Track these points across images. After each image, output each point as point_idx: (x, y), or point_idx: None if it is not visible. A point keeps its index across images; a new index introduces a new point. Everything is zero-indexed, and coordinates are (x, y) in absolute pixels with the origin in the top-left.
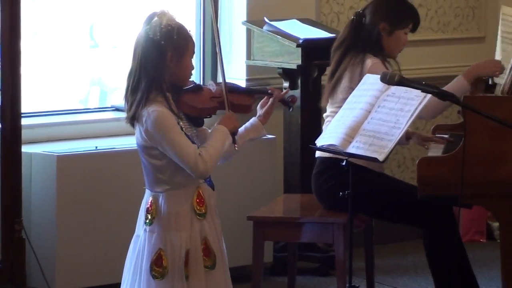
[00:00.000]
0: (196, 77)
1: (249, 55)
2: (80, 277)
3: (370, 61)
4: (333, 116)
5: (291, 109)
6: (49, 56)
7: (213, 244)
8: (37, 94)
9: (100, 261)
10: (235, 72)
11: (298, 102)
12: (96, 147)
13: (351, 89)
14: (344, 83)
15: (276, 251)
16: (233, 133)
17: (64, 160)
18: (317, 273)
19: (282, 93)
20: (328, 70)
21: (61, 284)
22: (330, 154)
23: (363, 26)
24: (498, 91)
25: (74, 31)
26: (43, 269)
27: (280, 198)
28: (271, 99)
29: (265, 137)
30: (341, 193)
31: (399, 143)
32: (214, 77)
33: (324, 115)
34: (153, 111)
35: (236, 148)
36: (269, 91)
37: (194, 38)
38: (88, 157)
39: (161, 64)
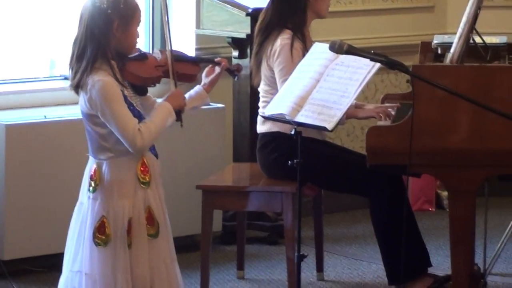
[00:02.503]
0: (145, 45)
1: (198, 24)
2: (30, 246)
3: (279, 41)
4: (267, 97)
5: (236, 78)
6: None
7: (157, 213)
8: None
9: (50, 230)
10: (184, 41)
11: (247, 72)
12: (45, 116)
13: (267, 65)
14: (264, 59)
15: (225, 220)
16: (179, 110)
17: (13, 130)
18: (266, 242)
19: (226, 64)
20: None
21: (11, 253)
22: (269, 128)
23: (284, 0)
24: (447, 60)
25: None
26: None
27: (229, 167)
28: (217, 68)
29: (213, 106)
30: (289, 162)
31: (339, 122)
32: (163, 45)
33: (260, 95)
34: (99, 80)
35: (182, 126)
36: (216, 60)
37: (142, 7)
38: (37, 126)
39: (107, 33)
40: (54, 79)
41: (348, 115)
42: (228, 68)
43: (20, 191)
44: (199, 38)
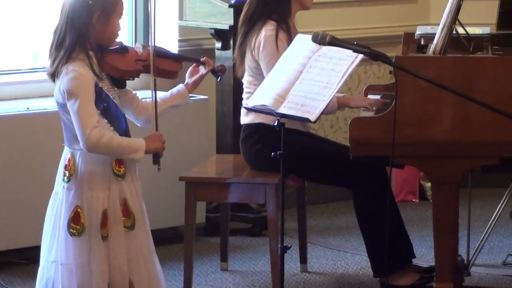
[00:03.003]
0: (128, 39)
1: (181, 16)
2: (13, 238)
3: (264, 33)
4: (250, 88)
5: (219, 79)
6: None
7: (133, 205)
8: None
9: (32, 222)
10: (168, 33)
11: (230, 63)
12: (28, 108)
13: (252, 56)
14: (248, 51)
15: (208, 212)
16: (157, 154)
17: None
18: (249, 233)
19: (211, 65)
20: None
21: None
22: (253, 119)
23: None
24: (430, 51)
25: None
26: None
27: (212, 159)
28: (201, 68)
29: (196, 97)
30: (272, 153)
31: (329, 112)
32: (145, 39)
33: (244, 86)
34: (73, 70)
35: (159, 169)
36: (202, 59)
37: (126, 0)
38: (20, 118)
39: (87, 24)
40: (37, 71)
41: (340, 104)
42: (212, 69)
43: (3, 183)
44: (182, 29)
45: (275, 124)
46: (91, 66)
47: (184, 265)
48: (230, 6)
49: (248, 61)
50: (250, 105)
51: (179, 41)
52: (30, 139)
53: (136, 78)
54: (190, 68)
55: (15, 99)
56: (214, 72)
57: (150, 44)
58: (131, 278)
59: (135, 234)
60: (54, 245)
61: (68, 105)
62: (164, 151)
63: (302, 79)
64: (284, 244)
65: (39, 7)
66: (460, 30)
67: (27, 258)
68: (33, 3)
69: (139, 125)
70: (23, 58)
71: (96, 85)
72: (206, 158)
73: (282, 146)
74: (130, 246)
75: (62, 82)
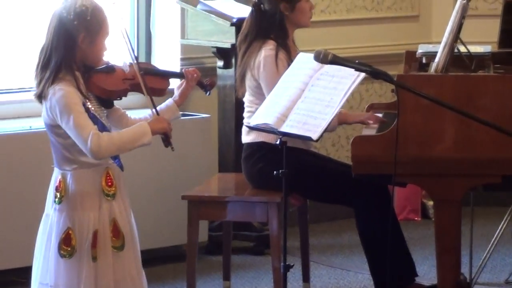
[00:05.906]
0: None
1: (183, 34)
2: (13, 257)
3: (263, 53)
4: (252, 107)
5: (208, 93)
6: None
7: (122, 225)
8: None
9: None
10: (170, 51)
11: (232, 81)
12: (30, 127)
13: (252, 76)
14: (248, 71)
15: (211, 230)
16: (166, 135)
17: None
18: (252, 252)
19: (197, 76)
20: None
21: None
22: (254, 138)
23: (264, 13)
24: (432, 70)
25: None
26: None
27: (214, 177)
28: (184, 81)
29: (198, 115)
30: (274, 172)
31: (330, 130)
32: (147, 58)
33: (245, 105)
34: (59, 89)
35: (173, 149)
36: (184, 71)
37: (127, 19)
38: (22, 137)
39: (73, 44)
40: None
41: (340, 121)
42: (201, 82)
43: (6, 202)
44: (184, 48)
45: (277, 142)
46: (78, 87)
47: (186, 284)
48: (232, 24)
49: (248, 81)
50: (252, 123)
51: (181, 59)
52: (32, 158)
53: (129, 97)
54: (180, 83)
55: (17, 117)
56: (202, 85)
57: (133, 61)
58: None
59: (124, 255)
60: (47, 268)
61: (63, 124)
62: (166, 169)
63: (304, 97)
64: (287, 263)
65: (42, 25)
66: (462, 49)
67: (22, 277)
68: (35, 22)
69: None
70: (26, 77)
71: (84, 105)
72: (209, 176)
73: (284, 164)
74: (118, 267)
75: (51, 103)
